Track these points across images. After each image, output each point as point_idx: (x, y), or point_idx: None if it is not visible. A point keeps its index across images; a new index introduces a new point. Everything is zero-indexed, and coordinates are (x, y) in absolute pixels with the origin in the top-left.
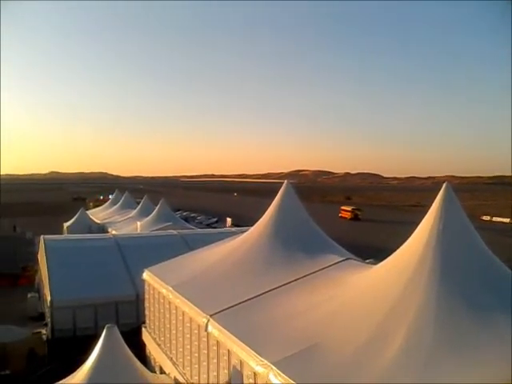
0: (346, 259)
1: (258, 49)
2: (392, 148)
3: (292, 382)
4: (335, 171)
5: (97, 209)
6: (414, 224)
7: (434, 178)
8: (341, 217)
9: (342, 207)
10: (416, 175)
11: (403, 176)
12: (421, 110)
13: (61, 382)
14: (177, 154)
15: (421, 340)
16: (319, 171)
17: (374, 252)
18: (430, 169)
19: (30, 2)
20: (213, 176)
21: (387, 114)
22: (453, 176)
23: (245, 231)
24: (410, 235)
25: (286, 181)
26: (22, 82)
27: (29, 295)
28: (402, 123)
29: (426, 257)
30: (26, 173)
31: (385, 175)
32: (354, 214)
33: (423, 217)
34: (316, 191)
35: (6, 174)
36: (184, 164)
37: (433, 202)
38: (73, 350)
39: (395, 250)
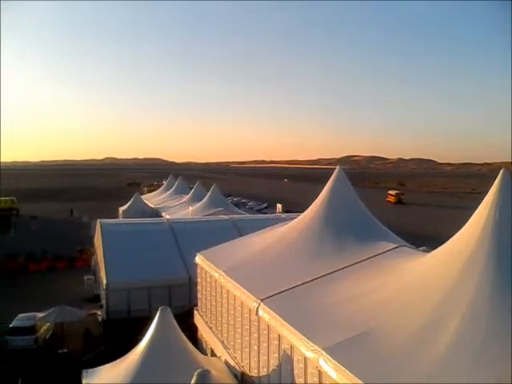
0: (399, 246)
1: (308, 32)
2: (447, 133)
3: (342, 367)
4: (388, 157)
5: (151, 194)
6: (457, 208)
7: (490, 164)
8: (387, 201)
9: (389, 191)
10: (472, 161)
11: (458, 162)
12: (476, 94)
13: (115, 361)
14: (229, 141)
15: (475, 329)
16: (372, 157)
17: (402, 233)
18: (487, 154)
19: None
20: (263, 162)
21: (442, 98)
22: (510, 162)
23: (295, 217)
24: (448, 218)
25: (337, 166)
26: (78, 71)
27: (85, 277)
28: (457, 107)
29: (482, 244)
30: (83, 158)
31: (439, 161)
32: (398, 198)
33: (475, 203)
34: (368, 177)
35: (64, 160)
36: (235, 150)
37: (489, 188)
38: (127, 331)
39: (421, 231)
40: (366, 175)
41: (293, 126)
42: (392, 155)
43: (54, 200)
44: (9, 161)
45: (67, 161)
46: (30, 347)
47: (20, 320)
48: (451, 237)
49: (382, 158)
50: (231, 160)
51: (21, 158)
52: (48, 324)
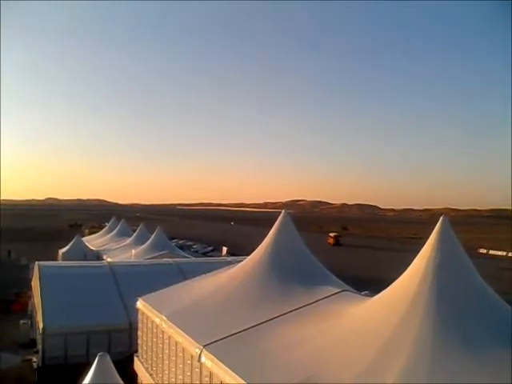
0: (342, 291)
1: (253, 74)
2: (389, 179)
3: None
4: (332, 201)
5: (92, 236)
6: (396, 252)
7: (430, 210)
8: (327, 242)
9: (329, 234)
10: (413, 207)
11: (400, 207)
12: (418, 141)
13: None
14: (174, 182)
15: (418, 372)
16: (316, 201)
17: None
18: (427, 201)
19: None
20: (210, 204)
21: (384, 145)
22: (450, 208)
23: (241, 261)
24: (387, 261)
25: (283, 210)
26: (20, 106)
27: (21, 322)
28: (399, 154)
29: (422, 290)
30: (23, 198)
31: (382, 206)
32: (336, 240)
33: (414, 247)
34: (313, 221)
35: (4, 199)
36: (181, 192)
37: (429, 234)
38: (63, 378)
39: (360, 273)
40: (310, 219)
41: (239, 169)
42: (336, 200)
43: None
44: None
45: (6, 200)
46: None
47: None
48: (391, 279)
49: (326, 202)
50: (177, 202)
51: None
52: None
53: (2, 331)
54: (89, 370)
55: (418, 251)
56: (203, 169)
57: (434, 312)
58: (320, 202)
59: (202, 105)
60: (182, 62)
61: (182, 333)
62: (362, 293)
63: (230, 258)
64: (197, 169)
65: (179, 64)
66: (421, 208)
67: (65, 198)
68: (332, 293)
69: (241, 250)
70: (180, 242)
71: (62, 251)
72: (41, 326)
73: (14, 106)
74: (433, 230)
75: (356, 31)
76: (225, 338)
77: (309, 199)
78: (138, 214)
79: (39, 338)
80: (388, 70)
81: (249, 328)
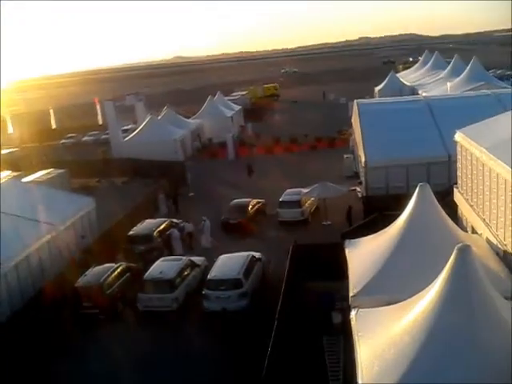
0: None
1: None
2: None
3: None
4: None
5: (406, 71)
6: None
7: None
8: None
9: None
10: None
11: None
12: None
13: (375, 234)
14: (480, 6)
15: None
16: None
17: None
18: None
19: None
20: None
21: None
22: None
23: None
24: None
25: None
26: None
27: (344, 156)
28: None
29: None
30: (337, 40)
31: None
32: None
33: None
34: None
35: (319, 44)
36: (501, 16)
37: None
38: (386, 206)
39: None
40: None
41: None
42: None
43: (311, 84)
44: (269, 49)
45: (323, 44)
46: (296, 219)
47: (288, 195)
48: None
49: None
50: (494, 28)
51: (271, 47)
52: (312, 199)
53: (328, 165)
54: (409, 199)
55: None
56: None
57: None
58: None
59: None
60: None
61: (504, 165)
62: None
63: None
64: None
65: None
66: None
67: (376, 36)
68: None
69: None
70: (498, 71)
71: (377, 88)
72: (363, 159)
73: None
74: None
75: None
76: None
77: None
78: (450, 46)
79: (362, 171)
80: None
81: None
